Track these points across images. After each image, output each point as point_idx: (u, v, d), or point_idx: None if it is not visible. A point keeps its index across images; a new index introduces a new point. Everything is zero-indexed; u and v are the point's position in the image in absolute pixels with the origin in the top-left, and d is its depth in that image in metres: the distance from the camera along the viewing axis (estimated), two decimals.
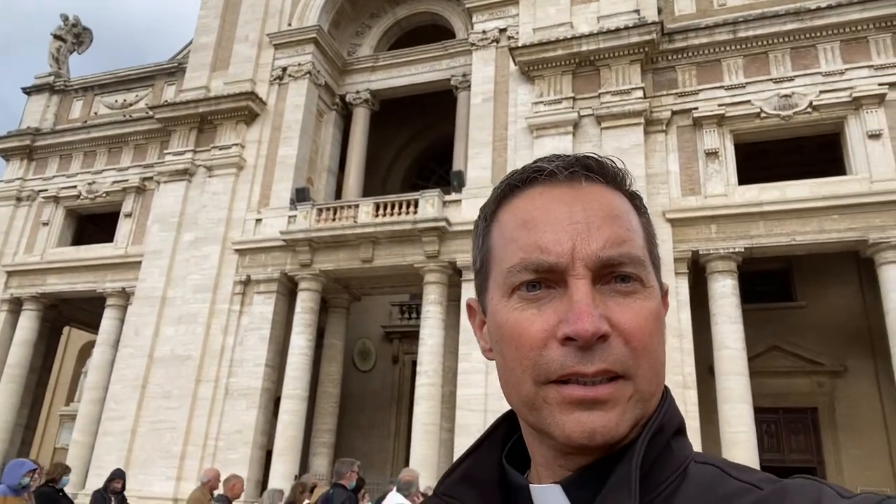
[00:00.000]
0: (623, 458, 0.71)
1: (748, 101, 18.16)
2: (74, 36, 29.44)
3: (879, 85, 17.05)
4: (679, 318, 16.70)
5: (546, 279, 0.74)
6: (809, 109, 17.53)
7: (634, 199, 0.83)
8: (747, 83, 18.38)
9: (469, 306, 0.88)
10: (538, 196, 0.78)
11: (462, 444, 17.17)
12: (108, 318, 23.43)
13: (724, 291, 17.02)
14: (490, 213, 0.83)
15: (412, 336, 22.89)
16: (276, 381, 20.49)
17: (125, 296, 23.28)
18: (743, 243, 17.10)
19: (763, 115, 17.94)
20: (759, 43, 18.39)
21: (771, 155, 20.31)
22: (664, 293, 0.82)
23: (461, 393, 17.82)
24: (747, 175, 18.21)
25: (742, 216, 17.22)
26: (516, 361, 0.73)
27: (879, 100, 16.96)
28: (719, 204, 17.54)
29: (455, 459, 0.85)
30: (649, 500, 0.70)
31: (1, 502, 6.16)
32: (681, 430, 0.78)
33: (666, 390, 0.78)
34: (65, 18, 29.25)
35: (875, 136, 16.81)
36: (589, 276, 0.72)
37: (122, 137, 25.80)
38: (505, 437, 0.85)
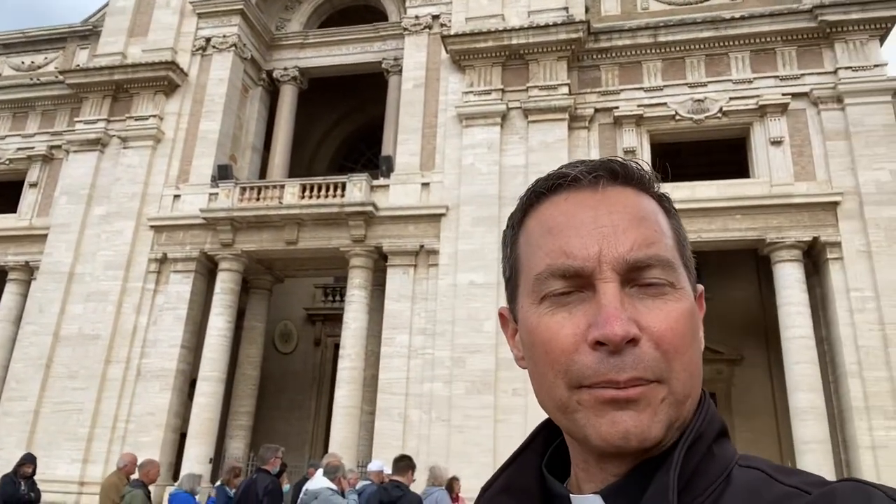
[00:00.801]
0: (662, 467, 0.70)
1: (665, 104, 19.11)
2: None
3: (783, 95, 18.35)
4: None
5: (574, 284, 0.74)
6: (720, 114, 18.65)
7: (663, 201, 0.82)
8: (665, 86, 19.32)
9: (501, 315, 0.88)
10: (563, 202, 0.78)
11: (383, 427, 17.43)
12: (10, 293, 22.09)
13: None
14: (517, 221, 0.84)
15: (335, 319, 22.86)
16: (192, 363, 20.00)
17: (29, 270, 22.01)
18: None
19: (678, 117, 18.93)
20: (678, 48, 19.35)
21: (683, 155, 21.47)
22: (699, 295, 0.82)
23: (383, 377, 18.02)
24: (662, 173, 19.13)
25: None
26: (548, 366, 0.73)
27: (783, 109, 18.26)
28: None
29: (496, 469, 0.86)
30: None
31: None
32: (723, 433, 0.77)
33: (704, 394, 0.78)
34: None
35: (777, 142, 18.11)
36: (617, 280, 0.72)
37: (29, 102, 24.18)
38: (545, 444, 0.85)
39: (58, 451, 18.59)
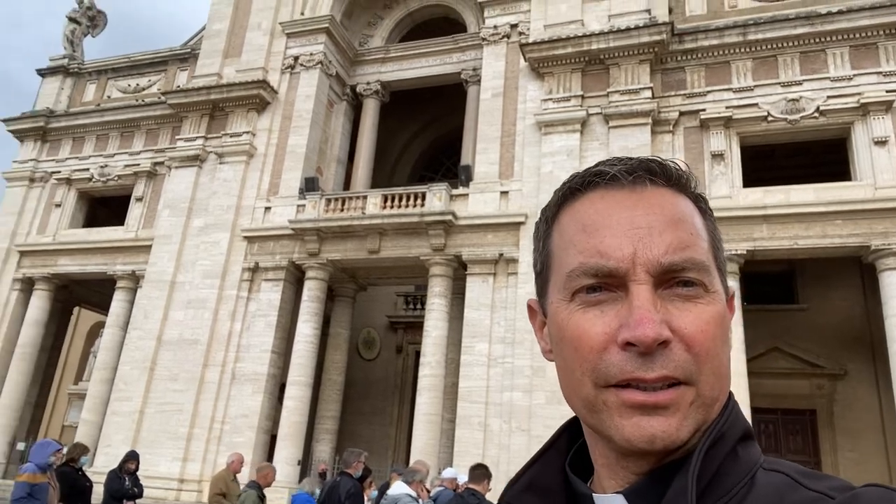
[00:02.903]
0: (682, 469, 0.70)
1: (756, 104, 18.27)
2: (89, 19, 29.65)
3: (887, 92, 17.13)
4: None
5: (606, 283, 0.73)
6: (816, 114, 17.63)
7: (699, 202, 0.82)
8: (755, 86, 18.47)
9: (530, 307, 0.89)
10: (599, 200, 0.78)
11: (463, 436, 17.53)
12: (118, 301, 23.81)
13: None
14: (551, 216, 0.84)
15: (416, 326, 23.21)
16: (281, 368, 20.87)
17: (135, 279, 23.65)
18: (746, 246, 17.27)
19: (770, 118, 18.04)
20: (769, 46, 18.46)
21: (777, 157, 20.45)
22: (730, 297, 0.81)
23: (463, 385, 18.13)
24: (752, 177, 18.35)
25: (746, 219, 17.38)
26: (576, 363, 0.74)
27: (887, 107, 17.05)
28: (723, 206, 17.67)
29: (521, 466, 0.87)
30: None
31: (31, 479, 6.51)
32: (747, 435, 0.76)
33: (730, 396, 0.77)
34: (79, 1, 29.44)
35: (881, 142, 16.92)
36: (651, 282, 0.72)
37: (135, 122, 26.07)
38: (569, 444, 0.86)
39: (160, 450, 19.83)
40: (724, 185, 18.04)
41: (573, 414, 0.86)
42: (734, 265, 17.39)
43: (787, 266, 20.73)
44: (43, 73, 28.58)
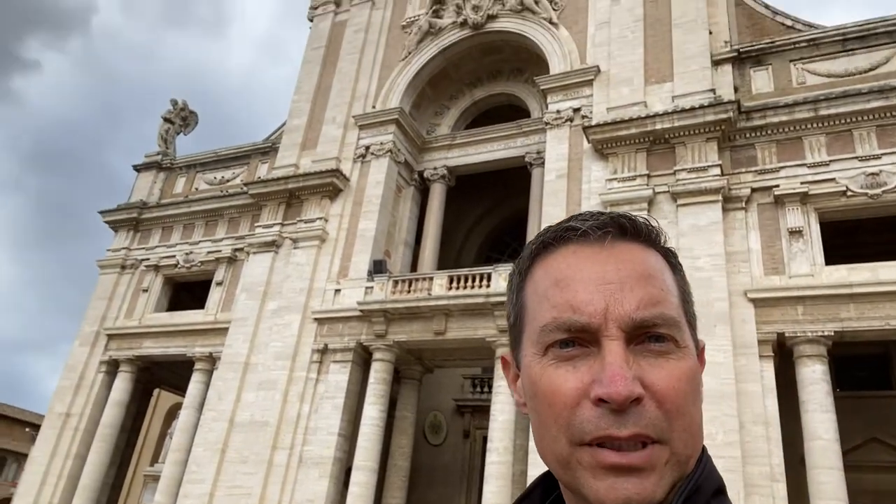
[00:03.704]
0: None
1: (833, 179, 17.63)
2: (182, 119, 32.35)
3: None
4: (765, 404, 15.87)
5: (579, 338, 0.74)
6: None
7: (669, 257, 0.82)
8: (831, 161, 17.90)
9: (503, 360, 0.90)
10: (571, 255, 0.79)
11: None
12: (195, 382, 24.57)
13: (814, 377, 16.08)
14: (524, 268, 0.85)
15: (484, 410, 22.70)
16: (347, 451, 20.70)
17: (212, 360, 24.44)
18: (832, 326, 16.22)
19: (849, 193, 17.32)
20: (842, 121, 17.98)
21: (861, 233, 19.45)
22: (700, 350, 0.81)
23: (532, 473, 17.37)
24: (835, 254, 17.46)
25: (830, 297, 16.42)
26: (551, 419, 0.74)
27: None
28: (805, 284, 16.83)
29: None
30: None
31: None
32: (720, 490, 0.76)
33: (703, 450, 0.77)
34: (174, 103, 32.27)
35: None
36: (623, 337, 0.72)
37: (219, 211, 27.73)
38: (543, 497, 0.87)
39: None
40: (805, 263, 17.22)
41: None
42: (822, 347, 16.32)
43: (882, 349, 19.25)
44: (139, 168, 31.12)
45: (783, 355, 17.06)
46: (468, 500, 24.43)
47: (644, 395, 0.70)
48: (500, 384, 19.26)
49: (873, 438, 18.47)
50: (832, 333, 16.21)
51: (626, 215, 0.81)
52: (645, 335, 0.74)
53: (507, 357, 0.89)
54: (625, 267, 0.77)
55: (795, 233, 17.64)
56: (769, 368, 16.48)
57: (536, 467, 17.31)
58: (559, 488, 0.84)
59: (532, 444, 17.67)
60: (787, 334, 16.63)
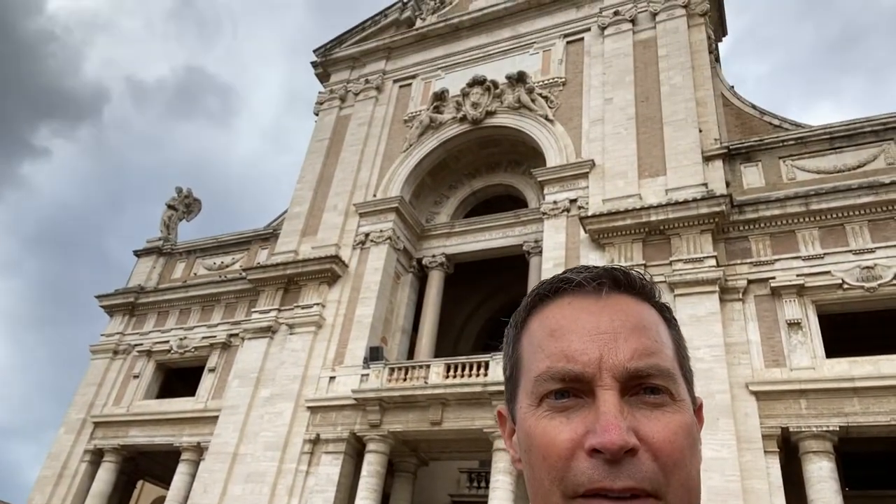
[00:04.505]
0: None
1: (828, 272, 17.78)
2: (185, 206, 32.94)
3: None
4: (772, 503, 15.26)
5: (573, 388, 0.73)
6: (895, 282, 16.91)
7: (664, 311, 0.83)
8: (825, 254, 18.12)
9: (499, 413, 0.90)
10: (566, 306, 0.79)
11: None
12: (181, 473, 23.68)
13: (822, 475, 15.56)
14: (520, 321, 0.84)
15: None
16: None
17: (199, 451, 23.66)
18: (837, 421, 15.87)
19: (846, 286, 17.43)
20: (834, 215, 18.36)
21: (861, 325, 19.38)
22: (698, 407, 0.80)
23: None
24: (836, 346, 17.33)
25: (834, 391, 16.16)
26: (544, 472, 0.72)
27: None
28: (807, 378, 16.60)
29: None
30: None
31: None
32: None
33: None
34: (179, 191, 32.95)
35: None
36: (617, 387, 0.72)
37: (216, 296, 27.70)
38: None
39: None
40: (806, 356, 17.06)
41: None
42: (828, 443, 15.89)
43: (891, 446, 18.70)
44: (139, 253, 31.35)
45: (788, 451, 16.58)
46: None
47: (639, 447, 0.69)
48: (498, 478, 18.58)
49: None
50: (837, 428, 15.83)
51: (621, 269, 0.82)
52: (640, 387, 0.73)
53: (503, 411, 0.88)
54: (619, 318, 0.77)
55: (794, 325, 17.59)
56: (775, 465, 15.98)
57: None
58: None
59: None
60: (791, 429, 16.23)
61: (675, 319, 0.85)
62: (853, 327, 19.41)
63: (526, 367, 0.80)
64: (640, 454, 0.69)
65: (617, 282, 0.80)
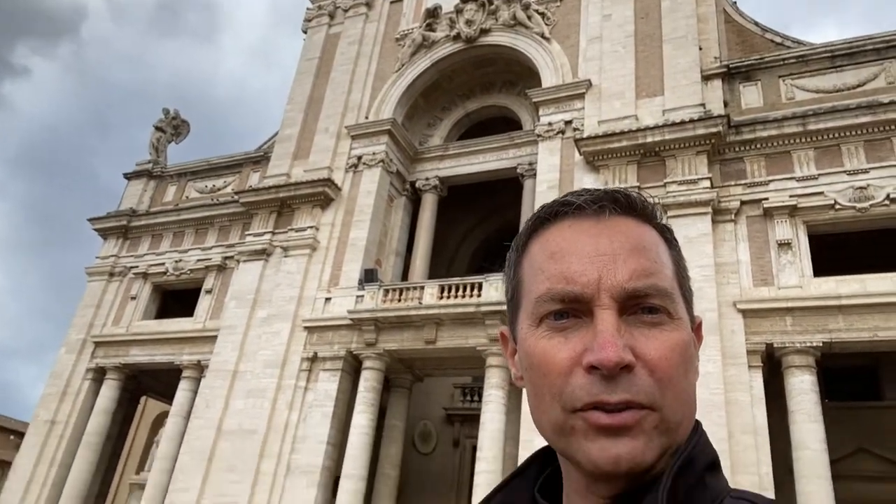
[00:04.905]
0: (651, 491, 0.71)
1: (821, 193, 17.86)
2: (173, 128, 32.32)
3: None
4: (754, 413, 15.94)
5: (573, 309, 0.75)
6: (887, 202, 17.05)
7: (664, 232, 0.84)
8: (819, 174, 18.14)
9: (502, 335, 0.92)
10: (566, 228, 0.80)
11: None
12: (183, 390, 24.34)
13: (803, 388, 16.18)
14: (521, 244, 0.86)
15: (474, 419, 22.60)
16: (336, 460, 20.53)
17: (200, 368, 24.23)
18: (821, 337, 16.36)
19: (838, 206, 17.56)
20: (831, 135, 18.26)
21: (850, 246, 19.65)
22: (697, 326, 0.84)
23: None
24: (824, 266, 17.64)
25: (819, 309, 16.58)
26: (545, 388, 0.75)
27: None
28: (794, 296, 16.98)
29: (489, 492, 0.88)
30: None
31: None
32: (714, 464, 0.77)
33: (697, 424, 0.78)
34: (166, 112, 32.23)
35: None
36: (615, 307, 0.74)
37: (209, 219, 27.64)
38: (539, 472, 0.88)
39: None
40: (794, 275, 17.39)
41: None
42: (810, 358, 16.45)
43: (871, 360, 19.41)
44: (129, 176, 30.99)
45: (772, 366, 17.17)
46: None
47: (635, 364, 0.71)
48: (491, 393, 19.23)
49: (861, 449, 18.56)
50: (820, 344, 16.34)
51: (622, 191, 0.83)
52: (638, 306, 0.75)
53: (506, 332, 0.90)
54: (619, 239, 0.78)
55: (784, 245, 17.82)
56: (758, 378, 16.57)
57: None
58: (555, 463, 0.84)
59: (522, 453, 17.62)
60: (775, 345, 16.75)
61: (675, 240, 0.86)
62: (842, 248, 19.67)
63: (527, 290, 0.82)
64: (636, 370, 0.71)
65: (618, 204, 0.81)
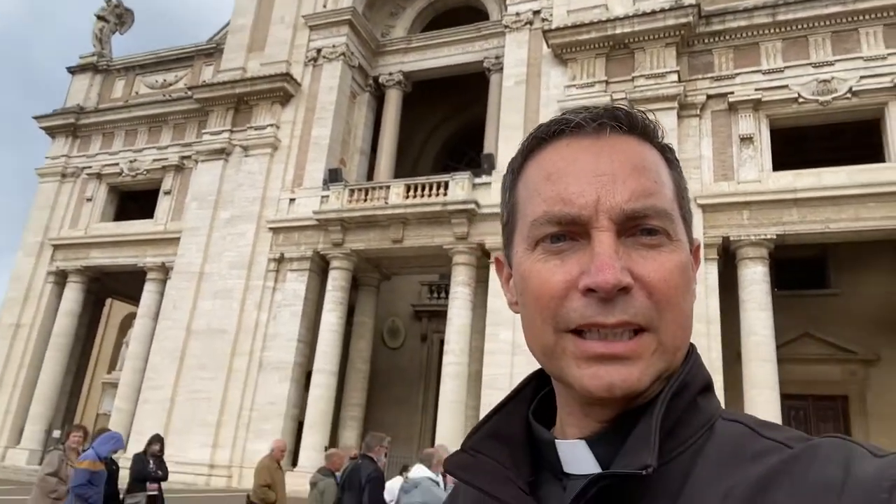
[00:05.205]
0: (645, 415, 0.70)
1: (786, 86, 17.85)
2: (117, 17, 30.15)
3: None
4: (707, 304, 16.68)
5: (570, 231, 0.73)
6: (849, 95, 17.17)
7: (665, 152, 0.82)
8: (786, 67, 18.05)
9: (497, 260, 0.90)
10: (564, 148, 0.77)
11: None
12: (149, 292, 24.28)
13: (755, 278, 16.92)
14: (517, 166, 0.83)
15: (441, 315, 23.24)
16: (307, 356, 21.09)
17: (164, 270, 24.08)
18: (775, 230, 16.93)
19: (801, 100, 17.63)
20: (800, 26, 18.02)
21: (809, 140, 19.93)
22: (695, 248, 0.81)
23: (487, 372, 18.13)
24: (783, 160, 17.95)
25: (775, 203, 17.04)
26: (537, 312, 0.73)
27: None
28: (752, 190, 17.37)
29: (483, 416, 0.87)
30: (673, 456, 0.69)
31: (91, 466, 6.85)
32: (708, 387, 0.77)
33: (692, 347, 0.77)
34: (107, 0, 29.94)
35: None
36: (613, 229, 0.71)
37: (162, 117, 26.48)
38: (533, 393, 0.86)
39: (190, 436, 20.22)
40: (753, 169, 17.69)
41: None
42: (764, 250, 17.09)
43: (819, 251, 20.27)
44: (73, 70, 29.17)
45: (727, 258, 17.81)
46: (426, 399, 25.43)
47: (633, 285, 0.69)
48: (457, 290, 19.66)
49: (806, 333, 19.78)
50: (774, 237, 16.93)
51: (623, 108, 0.79)
52: (636, 228, 0.72)
53: (501, 257, 0.87)
54: (618, 159, 0.74)
55: (746, 139, 17.99)
56: (713, 271, 17.23)
57: (491, 367, 18.04)
58: (550, 385, 0.83)
59: (488, 346, 18.33)
60: (731, 238, 17.30)
61: (677, 160, 0.82)
62: (802, 141, 19.96)
63: (522, 213, 0.79)
64: (633, 292, 0.69)
65: (618, 121, 0.77)
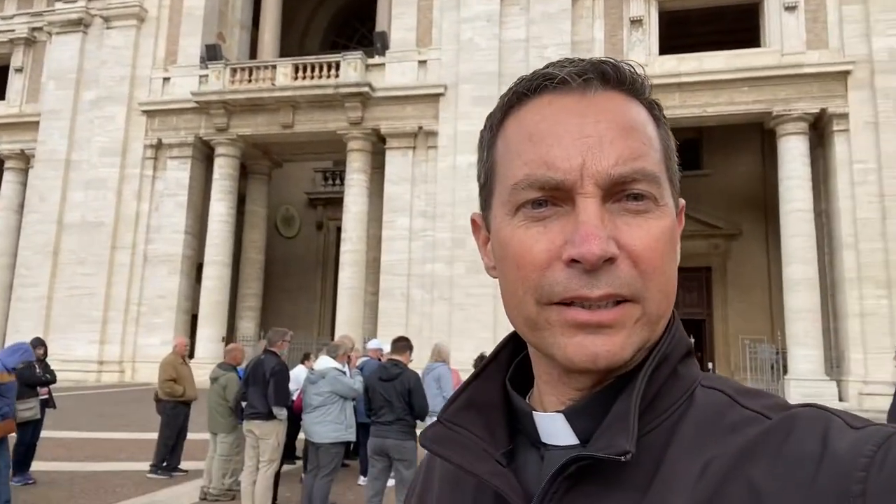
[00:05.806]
0: (626, 390, 0.70)
1: None
2: None
3: None
4: None
5: (553, 197, 0.70)
6: None
7: (653, 108, 0.77)
8: None
9: (473, 222, 0.86)
10: (547, 106, 0.72)
11: (386, 307, 17.96)
12: (9, 182, 22.08)
13: None
14: (496, 123, 0.78)
15: (336, 203, 22.92)
16: (196, 249, 20.32)
17: (25, 158, 21.83)
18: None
19: None
20: None
21: (692, 23, 20.46)
22: (680, 210, 0.79)
23: (385, 259, 18.33)
24: (668, 44, 18.40)
25: (660, 87, 17.58)
26: (518, 282, 0.70)
27: None
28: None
29: (460, 384, 0.85)
30: (652, 428, 0.69)
31: None
32: (688, 353, 0.76)
33: (673, 314, 0.75)
34: None
35: (791, 7, 17.17)
36: (598, 195, 0.68)
37: None
38: (510, 358, 0.85)
39: (75, 334, 19.36)
40: (642, 53, 18.05)
41: (492, 281, 0.78)
42: None
43: (696, 134, 21.49)
44: None
45: None
46: (324, 287, 25.56)
47: (618, 255, 0.66)
48: (353, 177, 19.29)
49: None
50: None
51: (610, 61, 0.72)
52: (623, 193, 0.68)
53: (478, 219, 0.82)
54: (605, 118, 0.69)
55: (636, 22, 18.18)
56: None
57: (390, 253, 18.24)
58: (526, 350, 0.81)
59: (385, 233, 18.41)
60: None
61: (664, 118, 0.76)
62: (686, 24, 20.47)
63: (501, 175, 0.73)
64: (619, 261, 0.65)
65: (605, 76, 0.70)
